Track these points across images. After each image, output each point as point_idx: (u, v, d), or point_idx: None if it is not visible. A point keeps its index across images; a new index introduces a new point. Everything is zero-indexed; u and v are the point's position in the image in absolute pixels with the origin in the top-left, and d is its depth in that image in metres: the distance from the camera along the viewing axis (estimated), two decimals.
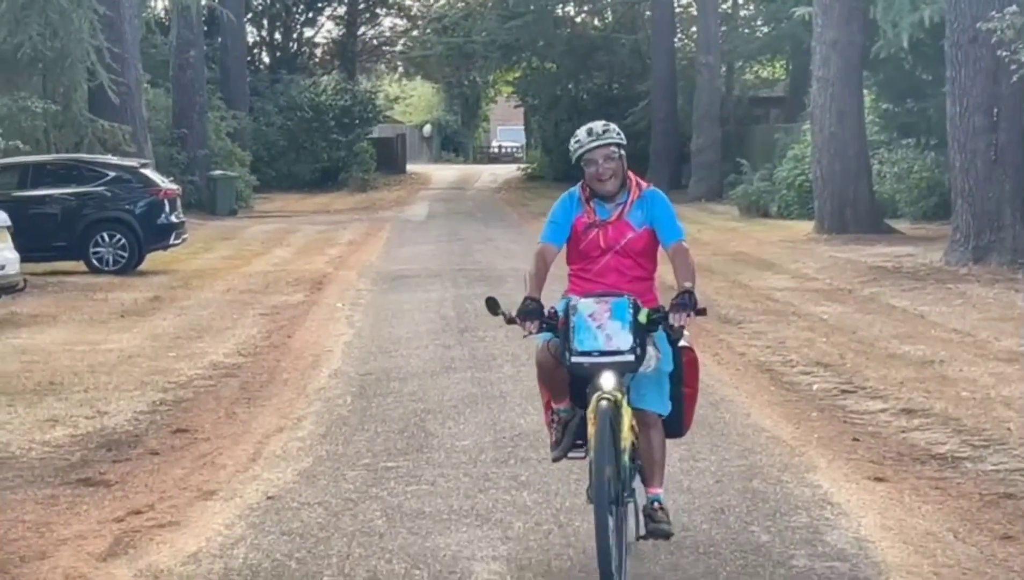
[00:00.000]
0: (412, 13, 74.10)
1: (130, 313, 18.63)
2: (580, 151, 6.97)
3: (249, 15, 62.85)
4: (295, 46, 70.18)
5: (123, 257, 24.56)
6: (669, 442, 7.19)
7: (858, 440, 10.15)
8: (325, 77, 66.37)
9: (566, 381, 6.95)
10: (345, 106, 59.87)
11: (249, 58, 61.03)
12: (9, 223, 18.72)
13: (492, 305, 6.70)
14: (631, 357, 6.55)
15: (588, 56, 62.17)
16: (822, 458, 9.54)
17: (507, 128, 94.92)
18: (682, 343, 7.03)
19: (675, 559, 7.14)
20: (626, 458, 6.61)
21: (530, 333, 6.66)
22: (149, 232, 24.74)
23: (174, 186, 26.60)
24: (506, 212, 44.58)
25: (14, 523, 8.05)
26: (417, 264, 25.39)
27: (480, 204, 49.05)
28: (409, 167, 72.06)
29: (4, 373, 13.48)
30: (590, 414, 6.55)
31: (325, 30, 74.43)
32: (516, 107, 76.99)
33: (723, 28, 51.88)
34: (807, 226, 31.99)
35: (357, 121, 60.54)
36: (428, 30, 67.73)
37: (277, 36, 69.20)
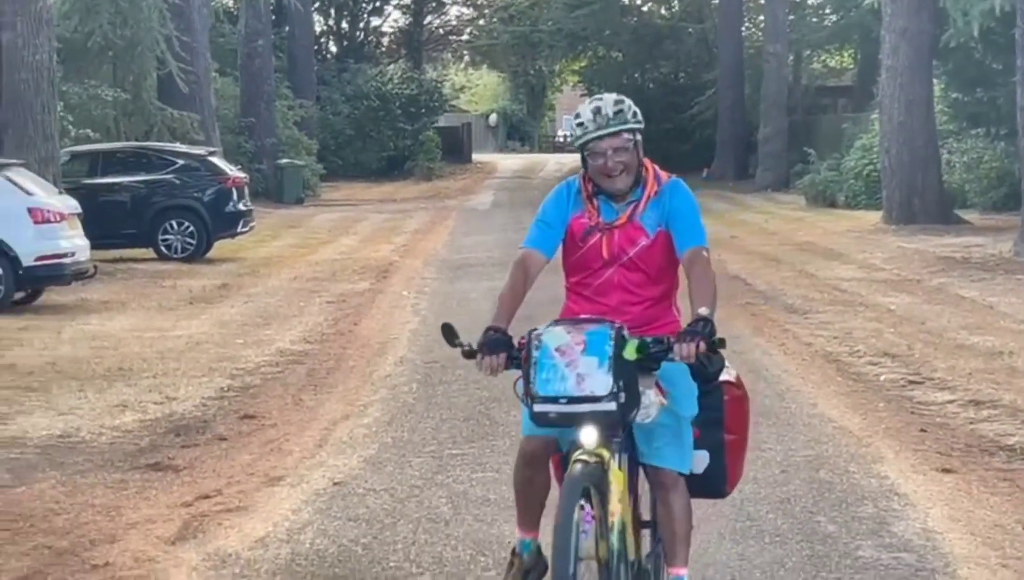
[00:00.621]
0: (479, 2, 74.14)
1: (198, 300, 18.78)
2: (584, 139, 5.53)
3: (316, 4, 63.10)
4: (362, 35, 70.38)
5: (191, 244, 24.77)
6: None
7: (925, 431, 10.08)
8: (392, 66, 66.57)
9: (545, 496, 5.56)
10: (411, 95, 59.99)
11: (316, 47, 61.30)
12: (80, 210, 18.92)
13: (448, 333, 5.26)
14: (611, 405, 5.00)
15: (654, 45, 61.97)
16: (889, 449, 9.49)
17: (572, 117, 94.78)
18: (724, 377, 5.73)
19: (741, 548, 7.12)
20: (615, 540, 5.17)
21: (493, 371, 5.21)
22: (217, 220, 24.94)
23: (242, 174, 26.80)
24: None
25: (85, 507, 8.14)
26: (482, 253, 25.43)
27: (545, 193, 48.66)
28: (475, 156, 72.11)
29: (75, 359, 13.63)
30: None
31: (392, 19, 74.69)
32: (582, 96, 76.84)
33: (791, 16, 51.56)
34: (875, 216, 31.76)
35: (423, 110, 60.65)
36: (494, 19, 67.82)
37: (344, 25, 69.43)
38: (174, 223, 24.79)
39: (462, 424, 10.42)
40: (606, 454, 5.11)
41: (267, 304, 18.26)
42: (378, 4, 71.02)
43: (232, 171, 26.19)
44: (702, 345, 5.05)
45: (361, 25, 70.55)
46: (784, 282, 19.82)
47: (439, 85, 64.34)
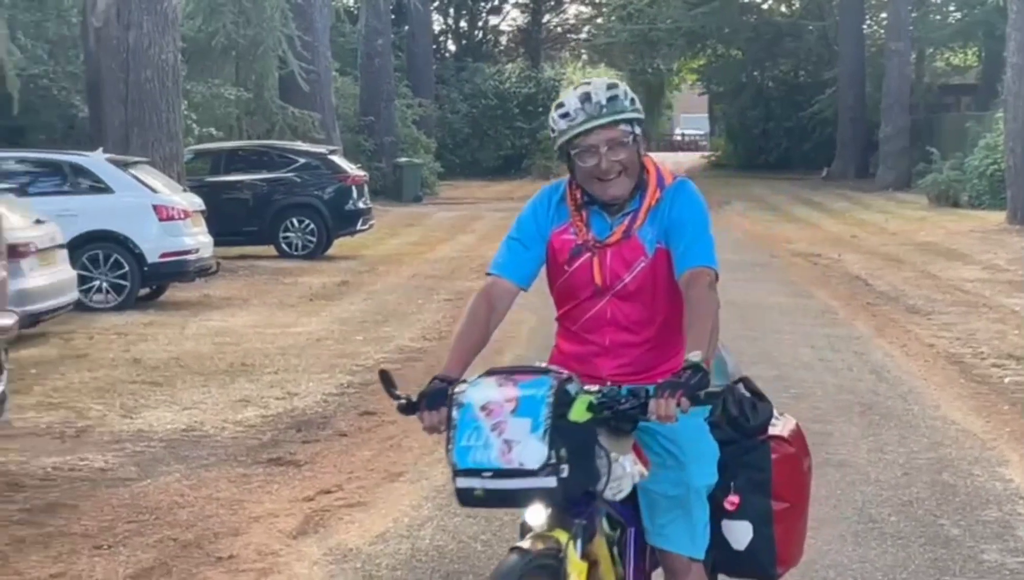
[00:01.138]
0: (597, 0, 74.05)
1: (318, 297, 18.97)
2: (570, 134, 4.38)
3: (436, 3, 63.44)
4: (480, 34, 70.61)
5: (312, 242, 25.02)
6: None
7: None
8: (510, 65, 66.69)
9: None
10: (529, 93, 60.06)
11: (435, 46, 61.61)
12: (203, 208, 19.19)
13: (385, 381, 4.32)
14: (548, 481, 3.90)
15: (774, 43, 61.52)
16: (1014, 452, 9.34)
17: (690, 116, 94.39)
18: (775, 430, 4.79)
19: (863, 551, 7.05)
20: None
21: (433, 430, 4.15)
22: (337, 218, 25.16)
23: (362, 173, 27.02)
24: None
25: (208, 500, 8.26)
26: None
27: None
28: None
29: (198, 354, 13.83)
30: None
31: (510, 18, 74.88)
32: (700, 95, 76.55)
33: (914, 14, 50.91)
34: (999, 216, 31.25)
35: (541, 109, 60.58)
36: (613, 17, 67.67)
37: (463, 24, 69.70)
38: (295, 221, 25.05)
39: None
40: (562, 538, 4.05)
41: (386, 301, 18.40)
42: (497, 3, 71.22)
43: (352, 169, 26.43)
44: (684, 402, 3.94)
45: (480, 24, 70.79)
46: (906, 282, 19.58)
47: (557, 84, 64.32)
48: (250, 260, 23.88)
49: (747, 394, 4.72)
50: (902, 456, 9.17)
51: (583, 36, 76.09)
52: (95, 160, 18.39)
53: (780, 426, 4.84)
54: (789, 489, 4.74)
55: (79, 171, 18.12)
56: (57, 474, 8.87)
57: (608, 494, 4.19)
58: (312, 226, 25.05)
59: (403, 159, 43.34)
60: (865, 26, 55.73)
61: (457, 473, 3.94)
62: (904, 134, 47.70)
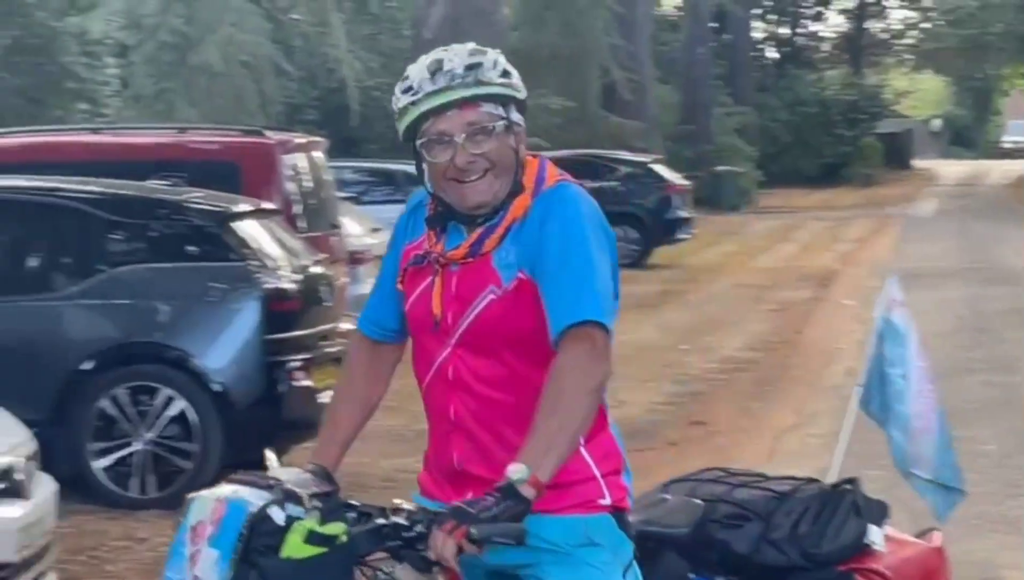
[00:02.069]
0: (923, 5, 72.29)
1: (641, 306, 19.03)
2: (413, 114, 3.15)
3: (757, 10, 62.96)
4: (802, 41, 69.80)
5: (633, 251, 25.10)
6: None
7: None
8: (831, 72, 65.71)
9: None
10: (851, 101, 59.01)
11: (755, 53, 61.15)
12: None
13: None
14: None
15: None
16: None
17: (1020, 122, 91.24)
18: (875, 546, 3.67)
19: None
20: None
21: None
22: (659, 226, 25.24)
23: (684, 182, 27.03)
24: (1019, 210, 42.85)
25: None
26: (927, 262, 24.76)
27: (991, 201, 47.31)
28: (915, 163, 70.38)
29: None
30: None
31: (832, 24, 73.68)
32: None
33: None
34: None
35: (863, 116, 59.57)
36: (940, 22, 65.95)
37: (784, 31, 69.02)
38: (616, 230, 25.14)
39: None
40: None
41: (708, 311, 18.36)
42: (819, 10, 70.28)
43: (675, 178, 26.48)
44: (467, 545, 2.86)
45: (801, 31, 69.96)
46: None
47: (880, 91, 63.11)
48: None
49: (822, 502, 3.71)
50: None
51: (908, 41, 74.37)
52: None
53: (880, 544, 3.68)
54: None
55: (412, 180, 18.63)
56: (398, 475, 9.14)
57: None
58: (634, 235, 25.16)
59: (722, 167, 43.13)
60: None
61: None
62: None
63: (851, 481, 3.85)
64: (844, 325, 16.77)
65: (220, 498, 3.03)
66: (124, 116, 24.89)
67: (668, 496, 3.82)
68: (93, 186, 9.64)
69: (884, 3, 73.51)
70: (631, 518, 3.34)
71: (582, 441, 3.06)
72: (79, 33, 23.82)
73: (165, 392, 8.67)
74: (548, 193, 3.19)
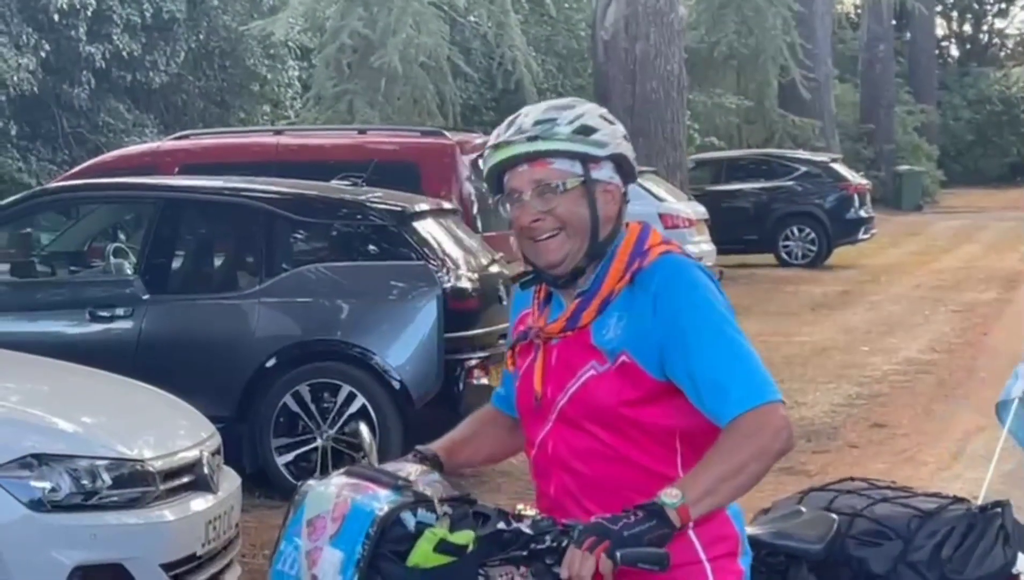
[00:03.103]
0: None
1: (820, 306, 18.81)
2: (486, 167, 3.14)
3: (939, 7, 61.77)
4: (986, 38, 68.30)
5: (812, 251, 24.86)
6: None
7: None
8: (1016, 69, 64.18)
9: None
10: None
11: (937, 51, 60.00)
12: (707, 216, 19.39)
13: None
14: None
15: None
16: None
17: None
18: None
19: None
20: None
21: None
22: (838, 226, 24.91)
23: (864, 181, 26.66)
24: None
25: None
26: None
27: None
28: None
29: None
30: None
31: (1018, 20, 71.99)
32: None
33: None
34: None
35: None
36: None
37: (967, 28, 67.62)
38: (795, 229, 24.96)
39: None
40: None
41: (890, 312, 18.06)
42: (1004, 6, 68.69)
43: (854, 178, 26.12)
44: (605, 562, 2.73)
45: (985, 28, 68.47)
46: None
47: None
48: (750, 268, 23.93)
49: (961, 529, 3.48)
50: None
51: None
52: None
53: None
54: None
55: None
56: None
57: None
58: (812, 235, 24.88)
59: (903, 167, 42.42)
60: None
61: None
62: None
63: (1001, 504, 3.58)
64: None
65: (343, 494, 2.89)
66: (305, 118, 25.30)
67: (803, 508, 3.63)
68: (277, 186, 9.81)
69: None
70: (760, 529, 3.26)
71: (691, 524, 2.89)
72: (263, 36, 24.25)
73: (346, 389, 8.78)
74: (655, 266, 3.05)
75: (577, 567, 2.73)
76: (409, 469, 3.03)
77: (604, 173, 3.06)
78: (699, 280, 3.03)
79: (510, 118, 3.11)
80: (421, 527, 2.82)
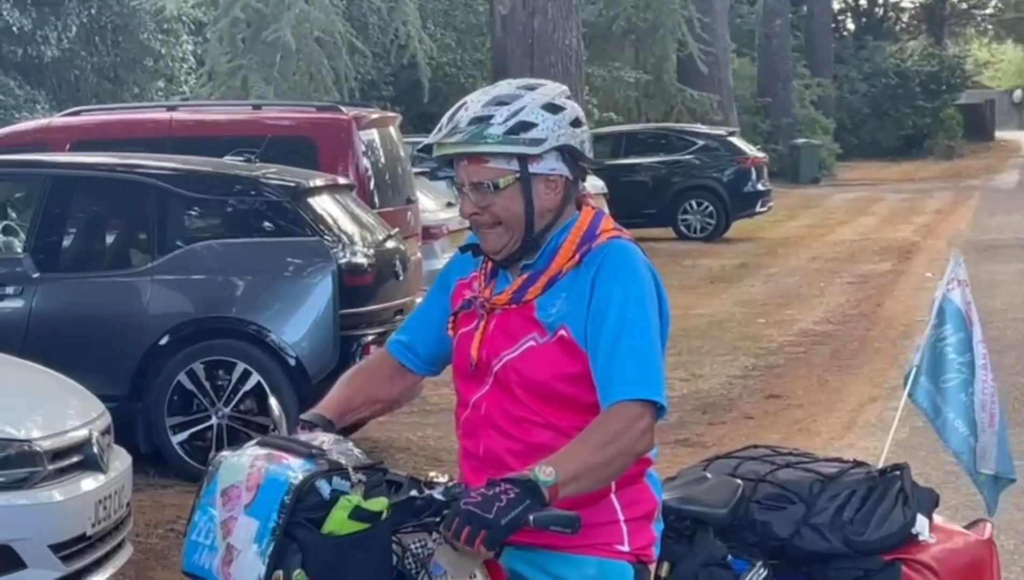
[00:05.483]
0: None
1: (718, 279, 18.95)
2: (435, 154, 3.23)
3: None
4: (881, 11, 69.07)
5: (710, 224, 25.02)
6: None
7: None
8: (911, 43, 65.02)
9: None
10: (932, 72, 58.34)
11: (834, 25, 60.56)
12: (606, 190, 19.45)
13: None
14: None
15: None
16: None
17: None
18: (922, 536, 3.59)
19: None
20: None
21: None
22: (736, 200, 25.08)
23: (761, 155, 26.87)
24: None
25: None
26: (1009, 234, 24.44)
27: None
28: (998, 134, 69.49)
29: None
30: None
31: None
32: None
33: None
34: None
35: (943, 87, 58.87)
36: None
37: (863, 2, 68.34)
38: (694, 203, 25.10)
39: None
40: None
41: (787, 284, 18.24)
42: None
43: (752, 151, 26.31)
44: (479, 545, 2.84)
45: (880, 1, 69.23)
46: None
47: (961, 61, 62.34)
48: (649, 242, 24.00)
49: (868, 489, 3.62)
50: None
51: (989, 11, 73.42)
52: None
53: (928, 534, 3.57)
54: None
55: None
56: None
57: None
58: (711, 208, 25.04)
59: (801, 140, 42.82)
60: None
61: (184, 572, 2.99)
62: None
63: (900, 467, 3.71)
64: (924, 298, 16.56)
65: (257, 464, 2.92)
66: (199, 93, 25.04)
67: (708, 474, 3.72)
68: (170, 163, 9.70)
69: None
70: (667, 495, 3.38)
71: (613, 487, 3.12)
72: (155, 11, 23.96)
73: (241, 366, 8.71)
74: (601, 249, 3.17)
75: (454, 532, 2.85)
76: (322, 438, 3.06)
77: (545, 166, 3.14)
78: (638, 270, 3.15)
79: (452, 110, 3.16)
80: (336, 495, 2.87)
